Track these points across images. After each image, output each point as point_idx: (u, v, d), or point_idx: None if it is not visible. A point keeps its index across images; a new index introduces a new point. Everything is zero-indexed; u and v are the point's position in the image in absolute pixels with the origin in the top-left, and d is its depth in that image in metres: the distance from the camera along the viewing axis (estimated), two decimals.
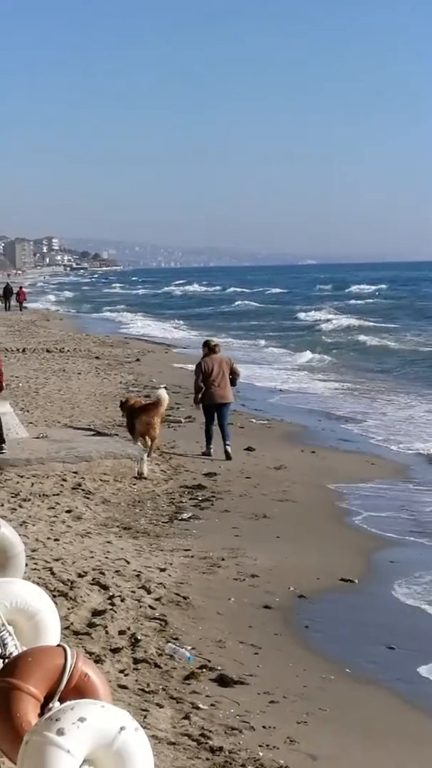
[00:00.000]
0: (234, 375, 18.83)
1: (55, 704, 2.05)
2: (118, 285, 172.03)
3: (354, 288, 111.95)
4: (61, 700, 2.05)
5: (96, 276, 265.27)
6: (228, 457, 17.96)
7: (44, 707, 2.09)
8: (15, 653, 2.25)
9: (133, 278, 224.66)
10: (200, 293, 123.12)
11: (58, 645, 2.25)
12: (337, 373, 34.64)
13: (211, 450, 18.36)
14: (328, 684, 8.34)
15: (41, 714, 2.05)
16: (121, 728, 1.86)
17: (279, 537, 12.80)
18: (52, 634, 2.60)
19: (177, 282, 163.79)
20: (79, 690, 2.11)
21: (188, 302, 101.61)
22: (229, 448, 18.14)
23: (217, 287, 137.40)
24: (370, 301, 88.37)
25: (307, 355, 40.24)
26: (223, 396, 18.63)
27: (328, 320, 62.25)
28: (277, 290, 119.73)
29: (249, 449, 18.66)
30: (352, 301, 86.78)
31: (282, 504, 14.60)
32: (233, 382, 18.87)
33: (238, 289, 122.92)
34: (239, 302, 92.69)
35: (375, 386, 30.54)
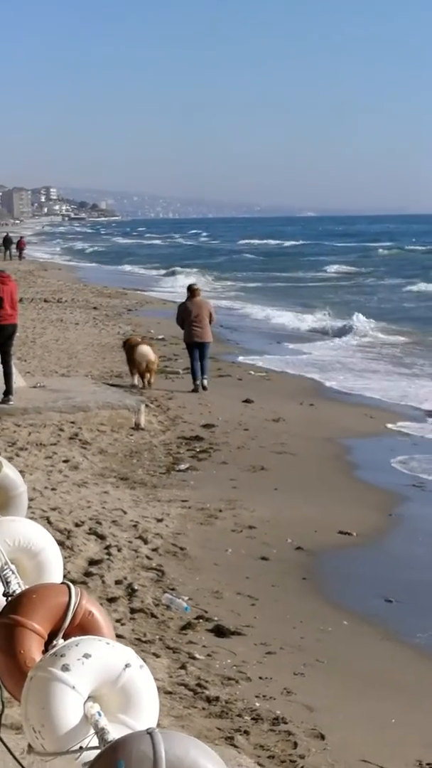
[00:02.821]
0: (212, 320, 20.64)
1: (59, 641, 2.03)
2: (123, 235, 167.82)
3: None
4: (65, 638, 2.03)
5: (100, 227, 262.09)
6: (203, 388, 19.75)
7: (48, 645, 2.08)
8: (18, 591, 2.23)
9: (140, 228, 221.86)
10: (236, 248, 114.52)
11: (62, 582, 2.22)
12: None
13: (198, 386, 19.82)
14: (325, 636, 8.32)
15: (45, 651, 2.03)
16: (126, 665, 1.85)
17: (277, 489, 12.77)
18: (54, 572, 2.59)
19: (202, 234, 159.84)
20: (83, 628, 2.11)
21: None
22: (205, 382, 19.97)
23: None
24: None
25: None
26: (203, 335, 20.33)
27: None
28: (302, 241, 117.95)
29: (247, 401, 18.61)
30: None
31: (280, 456, 14.56)
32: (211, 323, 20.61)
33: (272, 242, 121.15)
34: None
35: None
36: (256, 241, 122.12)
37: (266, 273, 63.19)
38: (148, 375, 19.76)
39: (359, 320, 33.62)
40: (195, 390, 19.72)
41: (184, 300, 21.14)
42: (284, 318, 36.12)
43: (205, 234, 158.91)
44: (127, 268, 74.03)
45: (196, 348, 20.16)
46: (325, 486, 13.04)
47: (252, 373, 22.49)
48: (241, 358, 24.61)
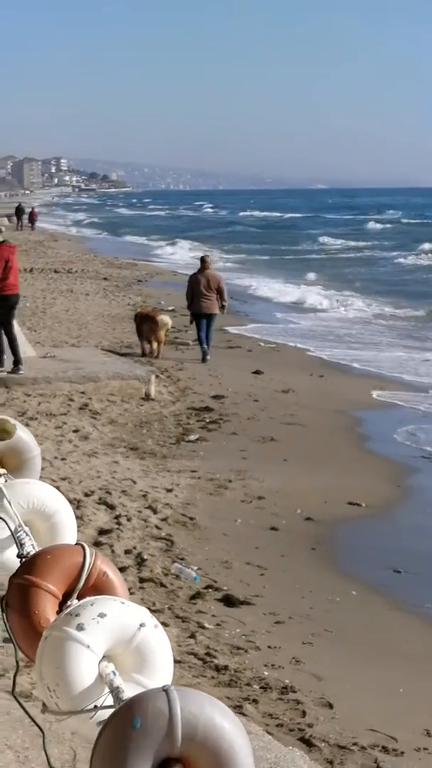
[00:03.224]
0: (220, 292, 20.71)
1: (74, 602, 2.04)
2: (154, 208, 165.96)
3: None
4: (79, 599, 2.04)
5: (107, 198, 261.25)
6: (204, 359, 19.92)
7: (62, 605, 2.09)
8: (32, 553, 2.24)
9: (146, 200, 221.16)
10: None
11: (77, 543, 2.23)
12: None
13: (202, 354, 20.05)
14: (334, 606, 8.34)
15: (59, 612, 2.04)
16: (141, 625, 1.85)
17: (286, 460, 12.77)
18: (68, 535, 2.60)
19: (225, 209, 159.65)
20: (98, 588, 2.12)
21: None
22: (208, 355, 20.07)
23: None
24: None
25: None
26: (209, 307, 20.55)
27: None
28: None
29: (257, 372, 18.60)
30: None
31: (289, 427, 14.56)
32: (221, 297, 20.71)
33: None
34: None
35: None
36: (258, 213, 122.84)
37: (261, 245, 62.97)
38: (157, 344, 20.03)
39: (352, 293, 33.84)
40: (202, 360, 19.94)
41: (194, 272, 21.39)
42: (275, 289, 36.13)
43: (208, 205, 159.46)
44: (127, 239, 74.24)
45: (203, 319, 20.41)
46: (335, 457, 13.05)
47: (262, 344, 22.48)
48: (235, 329, 24.56)
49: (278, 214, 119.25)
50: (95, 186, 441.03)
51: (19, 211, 74.17)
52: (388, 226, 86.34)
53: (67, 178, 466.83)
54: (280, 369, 19.11)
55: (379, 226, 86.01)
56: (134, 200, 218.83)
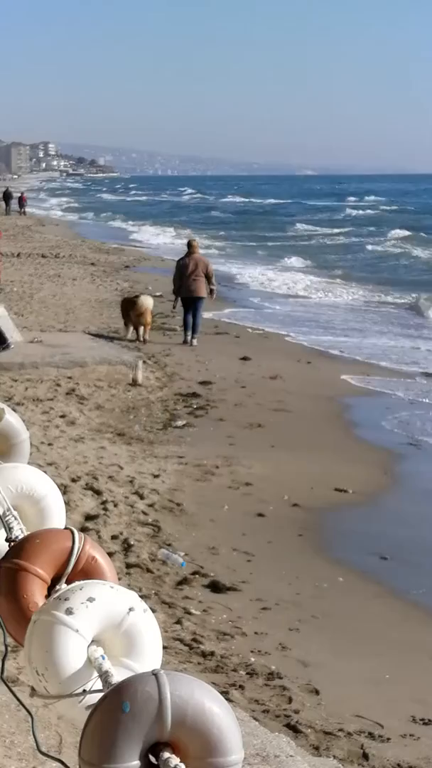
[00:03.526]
0: (208, 276, 20.84)
1: (62, 586, 2.03)
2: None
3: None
4: (68, 583, 2.04)
5: (91, 183, 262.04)
6: (190, 343, 20.13)
7: (51, 589, 2.09)
8: (20, 537, 2.23)
9: (132, 185, 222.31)
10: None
11: (66, 528, 2.22)
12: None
13: (189, 338, 20.28)
14: (320, 592, 8.35)
15: (48, 596, 2.04)
16: (130, 609, 1.85)
17: (273, 446, 12.78)
18: (57, 519, 2.59)
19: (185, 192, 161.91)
20: (87, 573, 2.11)
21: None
22: (195, 341, 20.28)
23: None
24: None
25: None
26: (197, 290, 20.61)
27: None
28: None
29: (245, 359, 18.59)
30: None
31: (277, 413, 14.56)
32: (210, 281, 20.86)
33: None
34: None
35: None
36: (239, 199, 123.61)
37: (236, 231, 63.22)
38: (142, 328, 20.08)
39: (330, 279, 34.13)
40: (185, 342, 20.23)
41: (182, 256, 21.52)
42: (250, 274, 36.28)
43: (189, 191, 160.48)
44: (109, 223, 75.27)
45: (190, 303, 20.51)
46: (322, 444, 13.05)
47: (249, 330, 22.48)
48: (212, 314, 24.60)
49: (259, 200, 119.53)
50: (83, 171, 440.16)
51: (6, 196, 74.01)
52: (363, 212, 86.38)
53: (54, 162, 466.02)
54: (268, 355, 19.11)
55: (355, 212, 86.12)
56: (118, 186, 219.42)
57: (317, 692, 6.59)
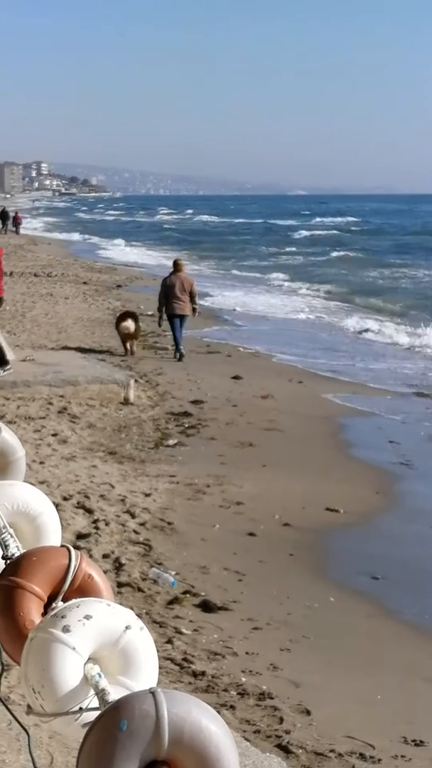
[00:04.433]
0: (192, 295, 21.48)
1: (59, 604, 2.03)
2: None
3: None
4: (65, 601, 2.03)
5: (76, 202, 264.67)
6: (180, 358, 20.61)
7: (47, 607, 2.08)
8: (17, 555, 2.23)
9: (118, 204, 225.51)
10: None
11: (62, 545, 2.22)
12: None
13: (178, 354, 20.74)
14: (312, 612, 8.34)
15: (44, 614, 2.03)
16: (127, 627, 1.85)
17: (265, 465, 12.78)
18: (53, 536, 2.59)
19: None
20: (83, 591, 2.11)
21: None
22: (182, 351, 20.83)
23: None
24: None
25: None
26: (182, 309, 21.30)
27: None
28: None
29: (236, 378, 18.61)
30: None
31: (268, 433, 14.57)
32: (192, 300, 21.47)
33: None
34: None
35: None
36: (207, 218, 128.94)
37: (183, 250, 64.30)
38: (129, 343, 20.78)
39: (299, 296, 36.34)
40: (178, 359, 20.63)
41: (167, 275, 22.15)
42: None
43: (164, 211, 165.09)
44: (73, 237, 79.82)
45: (176, 319, 21.14)
46: (314, 463, 13.05)
47: (241, 350, 22.50)
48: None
49: (228, 220, 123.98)
50: (75, 190, 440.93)
51: (4, 215, 74.34)
52: (310, 233, 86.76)
53: (47, 182, 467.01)
54: (259, 375, 19.13)
55: (306, 233, 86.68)
56: (101, 205, 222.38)
57: (308, 712, 6.58)
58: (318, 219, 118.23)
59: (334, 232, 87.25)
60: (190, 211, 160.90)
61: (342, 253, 60.84)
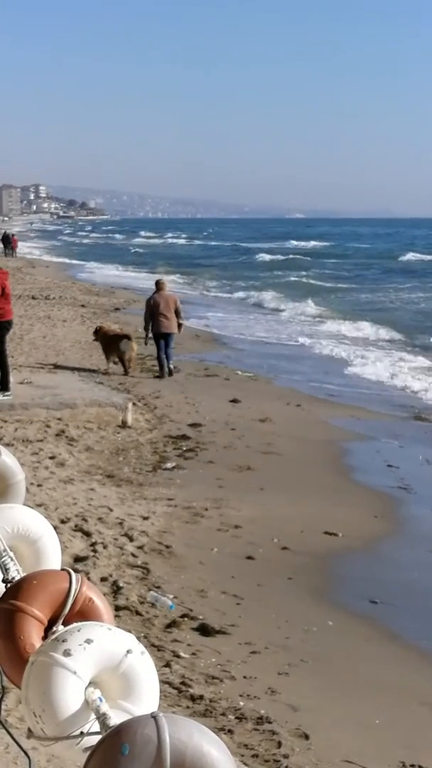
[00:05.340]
0: (177, 312, 21.97)
1: (59, 628, 2.03)
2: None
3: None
4: (65, 624, 2.03)
5: (66, 226, 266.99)
6: (170, 374, 21.22)
7: (48, 631, 2.08)
8: (17, 578, 2.23)
9: (107, 227, 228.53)
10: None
11: (63, 569, 2.22)
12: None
13: (165, 372, 21.27)
14: (310, 636, 8.32)
15: (45, 637, 2.03)
16: (128, 651, 1.85)
17: (263, 489, 12.76)
18: (53, 560, 2.59)
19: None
20: (84, 614, 2.11)
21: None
22: (171, 365, 21.49)
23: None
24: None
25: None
26: (168, 327, 21.75)
27: None
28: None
29: (234, 401, 18.60)
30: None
31: (266, 456, 14.56)
32: (178, 317, 21.99)
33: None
34: None
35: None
36: (183, 242, 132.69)
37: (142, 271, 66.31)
38: (129, 362, 21.39)
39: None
40: (161, 376, 21.16)
41: (151, 294, 22.59)
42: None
43: (144, 234, 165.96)
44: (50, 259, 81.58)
45: (161, 338, 21.58)
46: (312, 487, 13.04)
47: (239, 373, 22.51)
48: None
49: (199, 243, 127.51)
50: (73, 213, 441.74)
51: (6, 238, 74.71)
52: (271, 256, 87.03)
53: (45, 205, 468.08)
54: (258, 398, 19.12)
55: (267, 256, 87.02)
56: (89, 228, 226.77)
57: (307, 737, 6.55)
58: (293, 242, 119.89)
59: (291, 256, 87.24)
60: (169, 234, 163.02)
61: (281, 272, 63.64)
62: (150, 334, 22.00)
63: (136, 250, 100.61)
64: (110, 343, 21.47)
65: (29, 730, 1.82)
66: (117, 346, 21.24)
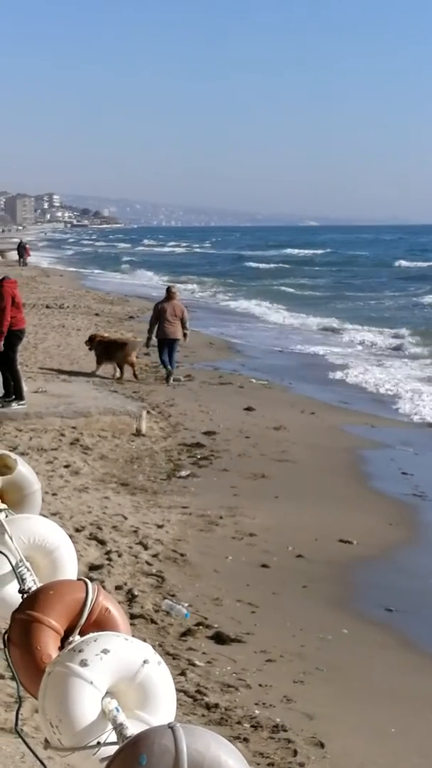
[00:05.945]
0: (183, 320, 22.53)
1: (76, 638, 2.03)
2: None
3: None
4: (81, 635, 2.03)
5: (74, 233, 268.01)
6: (167, 380, 21.71)
7: (64, 641, 2.08)
8: (34, 589, 2.23)
9: (118, 235, 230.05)
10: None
11: (79, 579, 2.22)
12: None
13: (169, 372, 21.90)
14: (325, 644, 8.31)
15: (61, 648, 2.03)
16: (145, 661, 1.85)
17: (277, 497, 12.75)
18: (69, 570, 2.59)
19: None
20: (100, 624, 2.11)
21: None
22: (173, 376, 21.85)
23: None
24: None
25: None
26: (173, 333, 22.38)
27: None
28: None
29: (248, 409, 18.59)
30: None
31: (281, 464, 14.55)
32: (183, 325, 22.51)
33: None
34: None
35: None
36: (183, 249, 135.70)
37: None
38: (131, 367, 21.90)
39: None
40: (167, 379, 21.75)
41: (160, 300, 23.25)
42: None
43: (146, 242, 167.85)
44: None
45: (166, 344, 22.22)
46: (327, 494, 13.03)
47: (253, 381, 22.50)
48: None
49: (198, 251, 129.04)
50: (87, 222, 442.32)
51: (21, 248, 75.09)
52: (258, 264, 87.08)
53: (59, 214, 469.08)
54: (272, 406, 19.12)
55: (253, 264, 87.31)
56: (95, 235, 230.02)
57: (322, 745, 6.54)
58: (288, 250, 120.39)
59: (279, 264, 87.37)
60: (171, 242, 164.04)
61: (266, 281, 64.64)
62: (154, 339, 22.49)
63: (131, 258, 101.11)
64: (109, 349, 22.03)
65: (46, 740, 1.82)
66: (116, 353, 21.80)
